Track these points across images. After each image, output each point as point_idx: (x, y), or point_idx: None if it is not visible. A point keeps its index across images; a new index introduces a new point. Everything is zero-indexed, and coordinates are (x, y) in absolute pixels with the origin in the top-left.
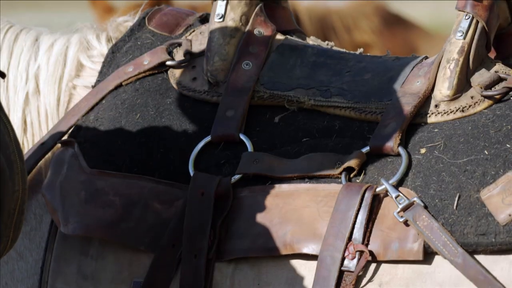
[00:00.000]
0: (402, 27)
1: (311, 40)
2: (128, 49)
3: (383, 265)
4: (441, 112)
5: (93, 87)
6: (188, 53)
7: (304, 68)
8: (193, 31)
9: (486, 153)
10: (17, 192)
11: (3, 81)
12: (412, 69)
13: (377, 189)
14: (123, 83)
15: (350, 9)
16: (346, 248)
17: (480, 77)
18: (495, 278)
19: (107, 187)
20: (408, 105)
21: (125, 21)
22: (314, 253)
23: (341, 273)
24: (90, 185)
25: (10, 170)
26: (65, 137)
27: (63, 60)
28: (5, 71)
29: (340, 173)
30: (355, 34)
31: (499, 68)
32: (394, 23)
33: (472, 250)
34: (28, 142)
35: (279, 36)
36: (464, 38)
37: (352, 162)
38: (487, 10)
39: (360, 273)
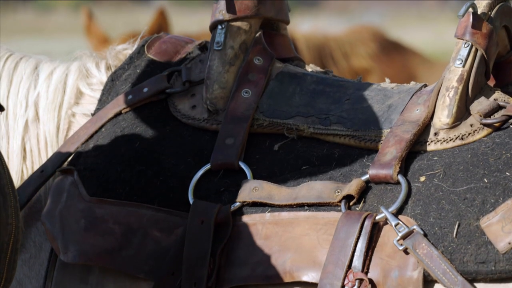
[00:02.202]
0: (401, 54)
1: (310, 68)
2: (127, 77)
3: None
4: (441, 140)
5: (93, 115)
6: (188, 81)
7: (303, 96)
8: (193, 59)
9: (486, 181)
10: (11, 226)
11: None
12: (411, 97)
13: (377, 217)
14: (122, 111)
15: (347, 36)
16: (345, 276)
17: (479, 105)
18: None
19: (107, 215)
20: (407, 133)
21: (124, 49)
22: (313, 281)
23: None
24: (89, 213)
25: (4, 201)
26: (64, 165)
27: (62, 88)
28: (4, 98)
29: (340, 201)
30: (353, 60)
31: (498, 96)
32: (392, 49)
33: (472, 278)
34: (27, 169)
35: (278, 64)
36: (463, 66)
37: (352, 190)
38: (486, 38)
39: None
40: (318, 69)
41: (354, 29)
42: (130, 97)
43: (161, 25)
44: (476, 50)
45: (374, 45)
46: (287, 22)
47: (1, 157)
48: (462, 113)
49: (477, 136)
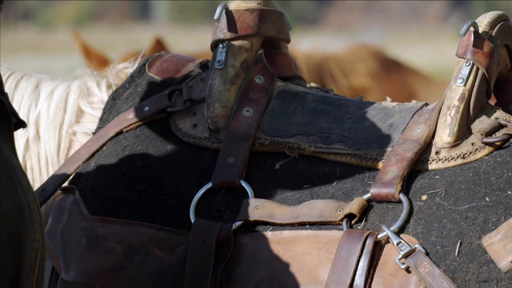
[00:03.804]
0: (400, 72)
1: (311, 87)
2: (128, 96)
3: None
4: (442, 159)
5: (94, 133)
6: (189, 100)
7: (304, 115)
8: (194, 77)
9: (487, 200)
10: (37, 242)
11: (23, 130)
12: (412, 116)
13: (379, 236)
14: (123, 130)
15: (347, 55)
16: None
17: (481, 123)
18: None
19: (108, 234)
20: (409, 151)
21: (125, 68)
22: None
23: None
24: (91, 232)
25: (31, 217)
26: (65, 184)
27: (63, 107)
28: None
29: (341, 220)
30: (353, 79)
31: (500, 114)
32: (392, 68)
33: None
34: None
35: (279, 83)
36: (465, 85)
37: (353, 209)
38: (487, 57)
39: None
40: (319, 88)
41: (354, 47)
42: (131, 115)
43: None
44: (478, 69)
45: (374, 63)
46: (288, 41)
47: (25, 174)
48: (463, 132)
49: (479, 155)
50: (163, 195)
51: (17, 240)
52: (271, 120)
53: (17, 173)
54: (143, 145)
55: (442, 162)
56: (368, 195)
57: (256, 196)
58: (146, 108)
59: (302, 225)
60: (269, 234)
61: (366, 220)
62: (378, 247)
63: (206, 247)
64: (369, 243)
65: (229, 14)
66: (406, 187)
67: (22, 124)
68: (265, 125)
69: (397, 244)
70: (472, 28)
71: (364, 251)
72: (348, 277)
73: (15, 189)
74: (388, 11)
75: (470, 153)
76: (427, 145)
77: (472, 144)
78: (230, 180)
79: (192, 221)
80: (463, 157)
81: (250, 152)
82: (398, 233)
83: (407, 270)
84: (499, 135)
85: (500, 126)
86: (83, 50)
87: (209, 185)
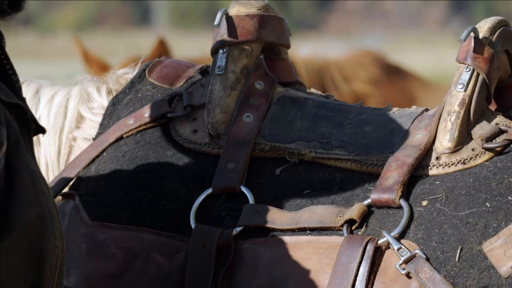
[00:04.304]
0: (401, 78)
1: (312, 92)
2: (128, 101)
3: None
4: (442, 165)
5: (94, 139)
6: (189, 105)
7: (305, 120)
8: (194, 83)
9: (488, 205)
10: (58, 249)
11: (42, 136)
12: (413, 121)
13: (379, 242)
14: (124, 136)
15: (348, 60)
16: None
17: (481, 129)
18: None
19: (109, 239)
20: (409, 157)
21: (125, 74)
22: None
23: None
24: (91, 238)
25: (52, 223)
26: (66, 189)
27: (63, 112)
28: None
29: (342, 226)
30: (353, 85)
31: (500, 120)
32: (392, 73)
33: None
34: None
35: (280, 88)
36: (465, 91)
37: (354, 214)
38: (487, 62)
39: None
40: (320, 93)
41: (354, 53)
42: (131, 121)
43: (162, 54)
44: (478, 74)
45: (375, 69)
46: (288, 47)
47: (45, 181)
48: (463, 138)
49: (479, 161)
50: (163, 200)
51: (39, 247)
52: (272, 126)
53: (39, 180)
54: (143, 150)
55: (443, 167)
56: (369, 200)
57: (257, 201)
58: (146, 114)
59: (302, 230)
60: (269, 239)
61: (366, 226)
62: (378, 253)
63: (207, 253)
64: (370, 248)
65: (229, 19)
66: (406, 193)
67: (41, 130)
68: (265, 131)
69: (398, 249)
70: (472, 34)
71: (364, 257)
72: (348, 282)
73: (38, 197)
74: (388, 16)
75: (471, 158)
76: (428, 151)
77: (473, 149)
78: (231, 186)
79: (193, 226)
80: (464, 163)
81: (250, 158)
82: (398, 238)
83: (408, 275)
84: (499, 140)
85: (501, 132)
86: (83, 56)
87: (209, 190)
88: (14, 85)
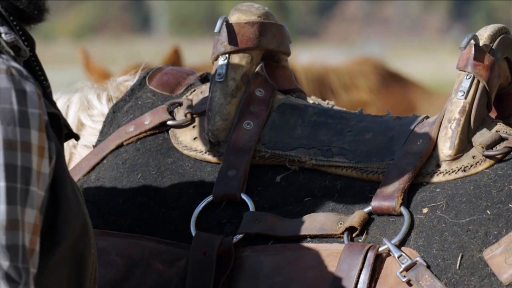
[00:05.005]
0: (401, 85)
1: (312, 100)
2: (129, 109)
3: None
4: (443, 172)
5: (94, 146)
6: (189, 113)
7: (305, 128)
8: (194, 90)
9: (489, 212)
10: (93, 256)
11: (77, 142)
12: (413, 129)
13: (380, 249)
14: (124, 143)
15: (347, 68)
16: None
17: (482, 136)
18: None
19: (109, 247)
20: (409, 164)
21: (126, 81)
22: None
23: None
24: None
25: (87, 230)
26: None
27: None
28: None
29: (342, 233)
30: (353, 92)
31: (500, 127)
32: (392, 81)
33: None
34: None
35: (280, 96)
36: (465, 98)
37: (354, 222)
38: (488, 70)
39: None
40: (320, 101)
41: (354, 60)
42: (131, 128)
43: (175, 63)
44: (478, 82)
45: (374, 77)
46: (288, 54)
47: (79, 189)
48: (464, 145)
49: (480, 168)
50: (163, 208)
51: (81, 256)
52: (272, 133)
53: (77, 188)
54: (143, 158)
55: (443, 175)
56: (369, 208)
57: (257, 209)
58: (147, 121)
59: (303, 238)
60: (270, 247)
61: (367, 233)
62: (379, 260)
63: (207, 260)
64: (370, 256)
65: (229, 27)
66: (407, 200)
67: (74, 136)
68: (265, 138)
69: (398, 257)
70: (472, 41)
71: (365, 264)
72: None
73: (80, 208)
74: (389, 23)
75: (471, 166)
76: (428, 158)
77: (473, 157)
78: (231, 193)
79: (193, 234)
80: (464, 170)
81: (250, 165)
82: (399, 246)
83: (409, 283)
84: (499, 148)
85: (501, 139)
86: (86, 64)
87: (209, 198)
88: (46, 91)
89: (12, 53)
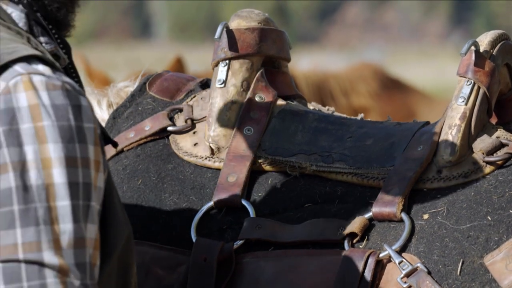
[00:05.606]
0: (401, 91)
1: (312, 106)
2: (129, 115)
3: None
4: (444, 178)
5: None
6: (189, 119)
7: (305, 134)
8: (194, 96)
9: (489, 219)
10: (134, 264)
11: (115, 150)
12: (413, 135)
13: (380, 255)
14: (124, 149)
15: (347, 74)
16: None
17: (482, 142)
18: None
19: None
20: (410, 171)
21: (126, 87)
22: None
23: None
24: None
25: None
26: None
27: None
28: None
29: (343, 239)
30: (353, 98)
31: (501, 133)
32: (392, 87)
33: None
34: None
35: (280, 102)
36: (466, 104)
37: (355, 228)
38: (488, 76)
39: None
40: (320, 107)
41: (355, 66)
42: (132, 134)
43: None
44: (479, 88)
45: (375, 82)
46: (288, 60)
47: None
48: (465, 151)
49: (480, 174)
50: (164, 214)
51: (127, 265)
52: (272, 139)
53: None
54: (143, 164)
55: (444, 181)
56: (370, 214)
57: (257, 215)
58: (147, 127)
59: (303, 244)
60: (270, 253)
61: (367, 239)
62: (380, 266)
63: (208, 266)
64: (371, 262)
65: (230, 33)
66: (407, 206)
67: (111, 142)
68: (266, 144)
69: (399, 263)
70: (473, 47)
71: (366, 270)
72: None
73: (126, 216)
74: (389, 29)
75: (472, 172)
76: (429, 164)
77: (474, 163)
78: (231, 199)
79: (193, 240)
80: (465, 176)
81: (251, 171)
82: (400, 252)
83: None
84: (500, 154)
85: (502, 145)
86: (86, 71)
87: (210, 204)
88: None
89: (57, 64)
